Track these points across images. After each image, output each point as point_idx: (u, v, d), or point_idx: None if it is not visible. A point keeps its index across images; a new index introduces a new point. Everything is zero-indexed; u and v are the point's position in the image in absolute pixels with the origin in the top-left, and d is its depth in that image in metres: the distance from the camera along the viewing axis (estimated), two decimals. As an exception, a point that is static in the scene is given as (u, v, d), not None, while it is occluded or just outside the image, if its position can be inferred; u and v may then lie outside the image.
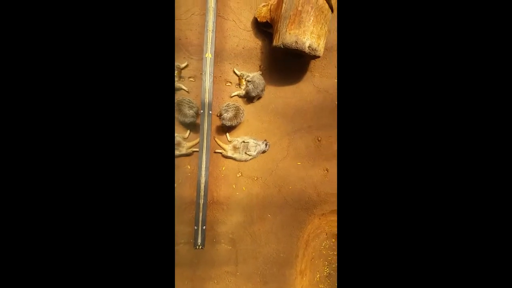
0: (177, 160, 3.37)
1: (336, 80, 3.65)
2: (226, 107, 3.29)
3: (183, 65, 3.41)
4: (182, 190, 3.38)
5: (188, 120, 3.25)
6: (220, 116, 3.27)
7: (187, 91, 3.41)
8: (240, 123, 3.45)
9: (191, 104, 3.24)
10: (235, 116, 3.32)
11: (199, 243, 3.07)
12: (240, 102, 3.55)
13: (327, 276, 3.67)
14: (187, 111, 3.22)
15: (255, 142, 3.46)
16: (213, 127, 3.28)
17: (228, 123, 3.31)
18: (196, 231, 3.07)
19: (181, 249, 3.35)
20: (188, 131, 3.40)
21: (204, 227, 3.09)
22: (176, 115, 3.27)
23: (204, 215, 3.08)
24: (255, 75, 3.44)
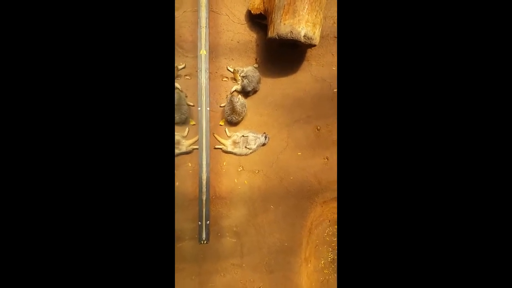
0: (177, 159, 3.39)
1: (334, 68, 3.59)
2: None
3: (181, 66, 3.39)
4: (184, 187, 3.41)
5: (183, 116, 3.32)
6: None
7: (180, 90, 3.39)
8: (239, 121, 3.48)
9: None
10: (239, 112, 3.37)
11: (203, 238, 3.13)
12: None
13: (331, 262, 3.77)
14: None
15: (255, 135, 3.47)
16: (212, 124, 3.27)
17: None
18: (200, 227, 3.13)
19: (186, 245, 3.42)
20: (187, 129, 3.40)
21: (208, 222, 3.14)
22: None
23: (208, 211, 3.13)
24: (249, 69, 3.41)
